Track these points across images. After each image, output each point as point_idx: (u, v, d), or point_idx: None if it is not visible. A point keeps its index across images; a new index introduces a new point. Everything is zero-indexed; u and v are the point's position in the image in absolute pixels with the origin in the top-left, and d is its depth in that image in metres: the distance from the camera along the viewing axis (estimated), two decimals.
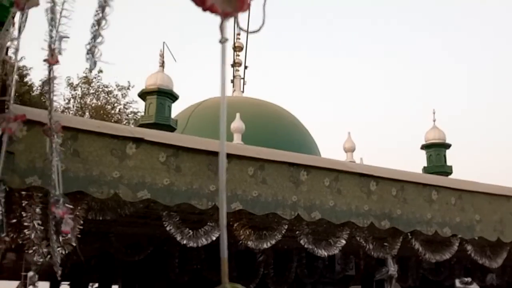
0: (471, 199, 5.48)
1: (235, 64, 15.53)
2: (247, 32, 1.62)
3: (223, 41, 1.53)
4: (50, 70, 2.73)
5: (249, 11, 1.57)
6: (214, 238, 4.52)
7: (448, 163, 12.22)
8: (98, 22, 2.52)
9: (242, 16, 1.57)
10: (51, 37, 2.66)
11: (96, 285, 10.53)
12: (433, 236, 5.47)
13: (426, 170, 12.06)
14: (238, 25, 1.57)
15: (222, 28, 1.53)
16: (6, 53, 3.35)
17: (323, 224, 5.23)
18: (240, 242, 4.69)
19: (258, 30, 1.60)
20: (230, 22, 1.62)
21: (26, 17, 3.12)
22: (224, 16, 1.52)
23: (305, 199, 4.63)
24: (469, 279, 9.60)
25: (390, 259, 5.30)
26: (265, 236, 4.73)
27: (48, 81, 2.82)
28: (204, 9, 1.53)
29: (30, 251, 3.63)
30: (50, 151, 3.06)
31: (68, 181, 3.84)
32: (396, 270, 5.44)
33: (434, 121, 12.67)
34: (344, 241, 5.03)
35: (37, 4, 2.69)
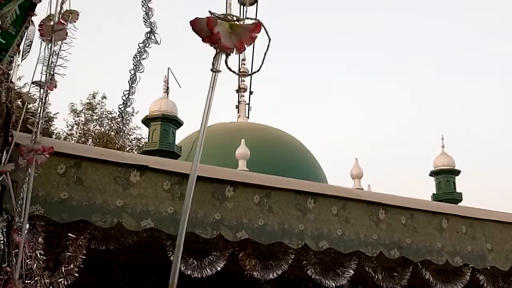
0: (482, 227, 5.37)
1: (240, 90, 15.55)
2: (251, 74, 1.67)
3: (215, 70, 1.60)
4: (45, 94, 2.69)
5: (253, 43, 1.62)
6: (219, 268, 4.42)
7: (458, 190, 12.08)
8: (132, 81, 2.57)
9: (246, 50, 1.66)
10: (50, 62, 2.63)
11: None
12: (444, 266, 5.34)
13: (435, 197, 11.92)
14: (232, 67, 1.66)
15: (216, 58, 1.59)
16: (11, 81, 3.31)
17: (330, 253, 5.12)
18: (246, 272, 4.58)
19: (258, 71, 1.69)
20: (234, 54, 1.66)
21: (30, 44, 3.09)
22: (223, 48, 1.56)
23: (312, 228, 4.53)
24: None
25: None
26: (271, 266, 4.62)
27: (41, 105, 2.78)
28: (204, 39, 1.55)
29: (32, 282, 3.53)
30: (26, 174, 2.99)
31: (71, 210, 3.77)
32: None
33: (443, 147, 12.58)
34: (352, 271, 4.91)
35: (64, 38, 2.71)
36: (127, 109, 2.61)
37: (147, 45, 2.51)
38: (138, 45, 2.68)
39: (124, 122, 2.72)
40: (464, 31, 42.26)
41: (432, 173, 12.44)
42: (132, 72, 2.62)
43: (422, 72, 41.78)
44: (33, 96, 3.00)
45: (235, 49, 1.58)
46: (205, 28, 1.54)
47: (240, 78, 15.34)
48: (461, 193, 12.03)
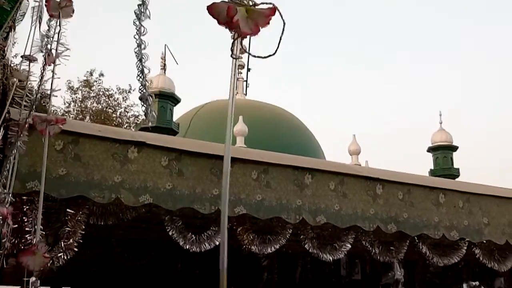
0: (479, 202, 5.40)
1: (237, 67, 15.46)
2: (263, 57, 1.69)
3: (235, 57, 1.63)
4: (43, 69, 2.68)
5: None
6: (217, 243, 4.43)
7: (455, 166, 12.10)
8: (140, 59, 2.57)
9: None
10: (47, 37, 2.62)
11: None
12: (441, 240, 5.38)
13: (432, 173, 11.96)
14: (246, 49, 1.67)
15: (236, 45, 1.63)
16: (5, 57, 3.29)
17: (328, 228, 5.15)
18: (244, 246, 4.61)
19: (274, 54, 1.67)
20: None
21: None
22: (241, 34, 1.57)
23: (310, 203, 4.55)
24: (476, 283, 9.49)
25: (397, 263, 5.21)
26: (269, 240, 4.65)
27: (40, 81, 2.78)
28: (221, 23, 1.55)
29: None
30: (12, 147, 3.01)
31: (69, 186, 3.78)
32: (402, 274, 5.36)
33: (441, 123, 12.57)
34: (349, 245, 4.94)
35: (71, 15, 2.72)
36: (146, 87, 2.61)
37: (140, 19, 2.49)
38: (134, 22, 2.65)
39: (150, 104, 2.72)
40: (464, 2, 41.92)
41: (430, 149, 12.46)
42: (137, 50, 2.60)
43: (422, 49, 41.58)
44: (26, 72, 2.99)
45: (254, 34, 1.60)
46: (223, 14, 1.56)
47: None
48: (458, 169, 12.07)
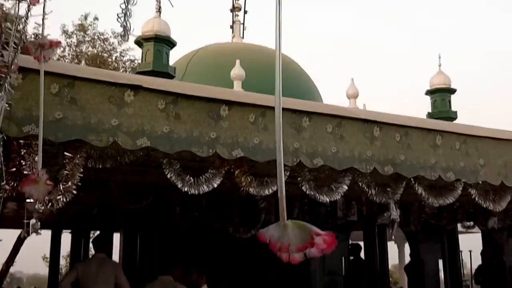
0: (476, 143, 5.42)
1: (234, 9, 15.18)
2: None
3: None
4: (28, 9, 2.63)
5: None
6: (215, 185, 4.48)
7: (453, 109, 12.10)
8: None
9: None
10: None
11: (97, 233, 10.61)
12: (437, 181, 5.44)
13: (430, 116, 11.95)
14: None
15: None
16: None
17: (325, 170, 5.19)
18: (242, 189, 4.65)
19: None
20: None
21: None
22: None
23: (307, 146, 4.56)
24: (471, 223, 9.67)
25: (393, 204, 5.28)
26: (266, 182, 4.69)
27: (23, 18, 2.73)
28: None
29: (31, 200, 3.59)
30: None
31: (66, 129, 3.78)
32: (398, 215, 5.44)
33: (440, 65, 12.47)
34: (346, 187, 5.00)
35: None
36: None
37: None
38: None
39: (128, 16, 2.65)
40: None
41: (428, 92, 12.41)
42: None
43: None
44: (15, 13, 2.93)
45: None
46: None
47: None
48: (456, 112, 12.06)
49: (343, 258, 8.70)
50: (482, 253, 10.70)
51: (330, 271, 7.99)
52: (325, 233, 3.17)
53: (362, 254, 10.70)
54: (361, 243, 11.80)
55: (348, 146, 4.74)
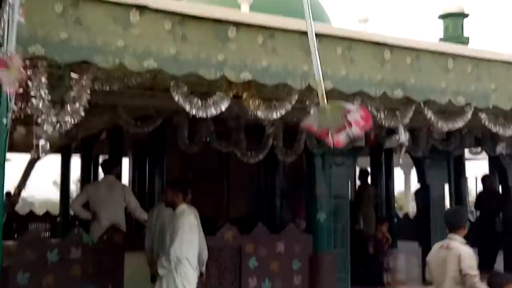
0: (488, 68, 5.32)
1: None
2: None
3: None
4: None
5: None
6: (223, 108, 4.45)
7: (466, 34, 11.82)
8: None
9: None
10: None
11: (106, 157, 10.74)
12: (446, 106, 5.39)
13: (442, 41, 11.70)
14: None
15: None
16: None
17: (334, 94, 5.14)
18: (250, 112, 4.62)
19: None
20: None
21: None
22: None
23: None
24: (478, 149, 9.67)
25: (402, 127, 5.25)
26: (274, 106, 4.65)
27: None
28: None
29: (39, 121, 3.59)
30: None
31: (72, 50, 3.72)
32: (407, 139, 5.42)
33: None
34: None
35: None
36: None
37: None
38: None
39: None
40: None
41: (441, 17, 12.11)
42: None
43: None
44: None
45: None
46: None
47: None
48: (468, 37, 11.80)
49: (349, 182, 8.77)
50: (482, 180, 10.78)
51: (337, 194, 8.08)
52: (357, 108, 3.11)
53: (369, 180, 10.83)
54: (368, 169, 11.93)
55: (358, 69, 4.67)
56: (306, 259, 7.77)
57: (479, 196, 11.04)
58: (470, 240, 8.87)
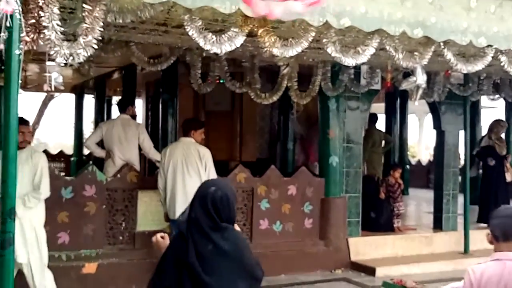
0: None
1: None
2: None
3: None
4: None
5: None
6: (238, 45, 4.34)
7: None
8: None
9: None
10: None
11: (119, 98, 10.74)
12: (466, 48, 5.24)
13: None
14: None
15: None
16: None
17: (351, 33, 5.01)
18: (265, 49, 4.50)
19: None
20: None
21: None
22: None
23: (334, 4, 4.33)
24: (496, 96, 9.50)
25: (420, 68, 5.12)
26: (290, 43, 4.53)
27: None
28: None
29: (52, 53, 3.52)
30: None
31: None
32: (424, 80, 5.29)
33: None
34: (373, 49, 4.82)
35: None
36: None
37: None
38: None
39: None
40: None
41: None
42: None
43: None
44: None
45: None
46: None
47: None
48: None
49: (363, 127, 8.71)
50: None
51: (350, 139, 8.04)
52: None
53: (377, 124, 10.71)
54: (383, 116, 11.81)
55: (378, 6, 4.51)
56: (317, 202, 7.82)
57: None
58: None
